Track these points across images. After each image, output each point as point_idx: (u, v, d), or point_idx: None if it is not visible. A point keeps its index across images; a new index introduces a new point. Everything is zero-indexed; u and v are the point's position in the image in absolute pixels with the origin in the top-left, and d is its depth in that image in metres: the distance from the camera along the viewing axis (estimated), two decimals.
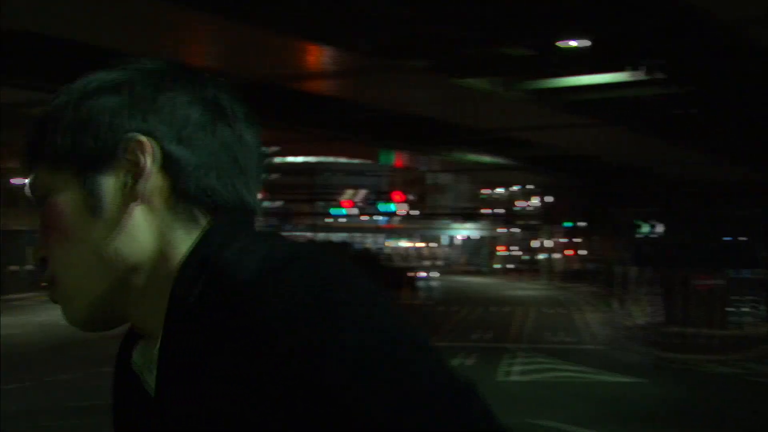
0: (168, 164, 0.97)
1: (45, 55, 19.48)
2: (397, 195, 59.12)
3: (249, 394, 0.82)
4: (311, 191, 57.89)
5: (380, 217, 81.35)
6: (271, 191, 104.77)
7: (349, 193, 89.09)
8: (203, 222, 0.98)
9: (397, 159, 57.08)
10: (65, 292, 1.01)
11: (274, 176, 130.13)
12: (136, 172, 0.97)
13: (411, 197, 73.66)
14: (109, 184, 0.98)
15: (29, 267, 62.05)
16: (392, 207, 55.98)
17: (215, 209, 0.99)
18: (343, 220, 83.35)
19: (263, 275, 0.85)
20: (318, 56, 18.63)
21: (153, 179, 0.97)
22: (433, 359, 0.86)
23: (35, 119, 1.04)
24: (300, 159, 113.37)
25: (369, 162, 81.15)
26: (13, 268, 61.85)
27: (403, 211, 65.35)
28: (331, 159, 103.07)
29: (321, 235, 66.97)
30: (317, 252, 0.91)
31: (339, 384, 0.81)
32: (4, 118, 50.52)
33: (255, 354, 0.83)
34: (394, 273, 62.13)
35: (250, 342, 0.83)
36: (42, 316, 43.38)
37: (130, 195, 0.97)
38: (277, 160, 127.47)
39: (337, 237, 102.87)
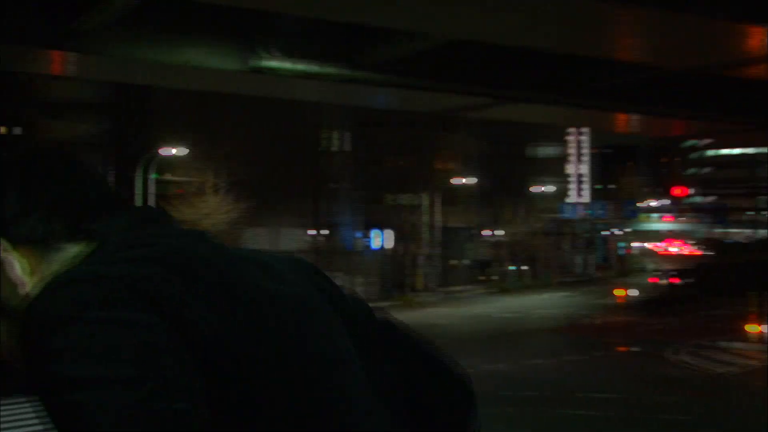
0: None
1: (479, 60, 20.58)
2: None
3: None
4: (752, 185, 53.37)
5: None
6: (706, 185, 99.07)
7: None
8: (78, 250, 1.18)
9: None
10: None
11: (708, 170, 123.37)
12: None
13: None
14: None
15: (466, 261, 66.37)
16: None
17: (80, 235, 1.19)
18: None
19: (29, 306, 1.05)
20: (761, 39, 17.21)
21: (12, 259, 1.16)
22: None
23: None
24: (737, 151, 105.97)
25: None
26: (453, 262, 66.63)
27: None
28: None
29: (763, 232, 61.76)
30: (76, 289, 1.04)
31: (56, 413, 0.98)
32: (447, 122, 54.01)
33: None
34: None
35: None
36: (478, 308, 46.07)
37: (19, 282, 1.15)
38: (710, 153, 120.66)
39: None
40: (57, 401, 0.97)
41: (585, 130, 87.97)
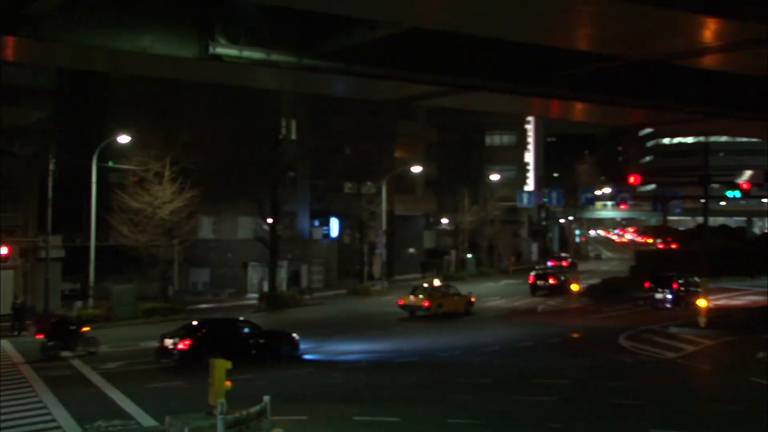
0: None
1: (436, 49, 20.55)
2: None
3: None
4: (699, 173, 54.56)
5: None
6: (652, 174, 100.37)
7: (747, 174, 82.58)
8: None
9: None
10: None
11: (653, 159, 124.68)
12: None
13: None
14: None
15: (411, 250, 66.64)
16: None
17: None
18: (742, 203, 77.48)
19: None
20: (709, 29, 17.54)
21: None
22: None
23: None
24: (689, 140, 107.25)
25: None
26: (411, 251, 66.94)
27: None
28: (724, 139, 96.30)
29: (713, 220, 62.91)
30: None
31: None
32: (406, 110, 53.03)
33: None
34: None
35: None
36: None
37: None
38: (666, 141, 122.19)
39: (732, 221, 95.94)
40: None
41: (540, 119, 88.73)
